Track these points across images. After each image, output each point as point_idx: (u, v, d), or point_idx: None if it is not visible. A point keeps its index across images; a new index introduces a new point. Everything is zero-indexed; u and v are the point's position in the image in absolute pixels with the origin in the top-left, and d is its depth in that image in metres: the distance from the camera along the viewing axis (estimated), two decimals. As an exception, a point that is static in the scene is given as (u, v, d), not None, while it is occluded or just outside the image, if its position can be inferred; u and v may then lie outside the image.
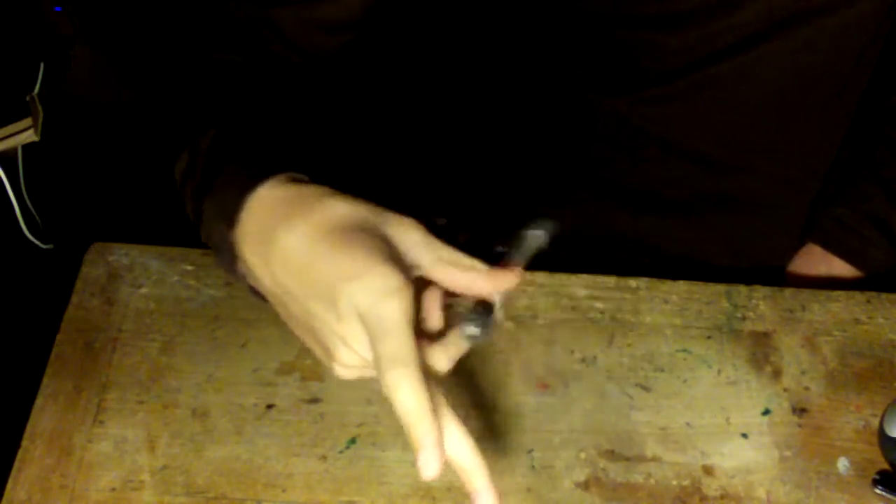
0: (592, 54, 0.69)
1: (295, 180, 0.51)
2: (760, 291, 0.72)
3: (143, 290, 0.70)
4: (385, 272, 0.45)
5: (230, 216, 0.51)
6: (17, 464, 0.61)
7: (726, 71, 0.68)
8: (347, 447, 0.63)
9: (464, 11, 0.71)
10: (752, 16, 0.65)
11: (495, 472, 0.62)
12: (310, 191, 0.50)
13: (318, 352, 0.50)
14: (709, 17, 0.65)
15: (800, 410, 0.66)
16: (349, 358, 0.48)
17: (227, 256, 0.52)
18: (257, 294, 0.53)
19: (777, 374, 0.67)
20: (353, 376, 0.50)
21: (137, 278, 0.70)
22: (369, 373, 0.48)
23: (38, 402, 0.64)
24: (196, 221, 0.55)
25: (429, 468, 0.44)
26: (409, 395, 0.44)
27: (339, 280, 0.46)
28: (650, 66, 0.69)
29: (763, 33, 0.66)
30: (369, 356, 0.46)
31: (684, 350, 0.68)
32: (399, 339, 0.45)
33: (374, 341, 0.45)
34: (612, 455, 0.63)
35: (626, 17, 0.66)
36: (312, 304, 0.47)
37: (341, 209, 0.48)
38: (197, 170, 0.55)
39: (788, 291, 0.72)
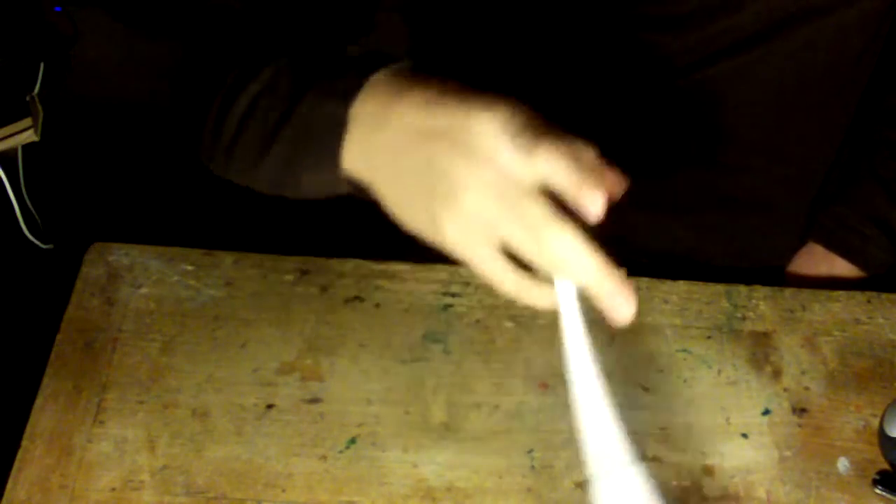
0: (593, 55, 0.69)
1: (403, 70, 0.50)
2: (760, 291, 0.72)
3: (143, 290, 0.70)
4: (514, 102, 0.45)
5: (347, 94, 0.49)
6: (17, 464, 0.61)
7: (726, 71, 0.68)
8: (347, 447, 0.63)
9: (463, 12, 0.71)
10: (751, 17, 0.65)
11: (495, 473, 0.62)
12: (425, 74, 0.49)
13: (430, 221, 0.47)
14: (709, 18, 0.65)
15: (800, 410, 0.66)
16: (476, 201, 0.45)
17: (327, 141, 0.50)
18: (353, 188, 0.51)
19: (777, 374, 0.68)
20: (468, 237, 0.47)
21: (137, 278, 0.70)
22: (484, 230, 0.46)
23: (38, 402, 0.64)
24: (268, 139, 0.54)
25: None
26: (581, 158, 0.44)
27: (468, 112, 0.45)
28: (650, 66, 0.69)
29: (763, 34, 0.66)
30: (503, 190, 0.44)
31: (684, 350, 0.68)
32: (553, 137, 0.44)
33: (520, 150, 0.44)
34: (612, 455, 0.63)
35: (626, 19, 0.66)
36: (436, 146, 0.45)
37: (457, 83, 0.47)
38: (284, 80, 0.53)
39: (788, 291, 0.72)
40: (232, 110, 0.56)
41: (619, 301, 0.46)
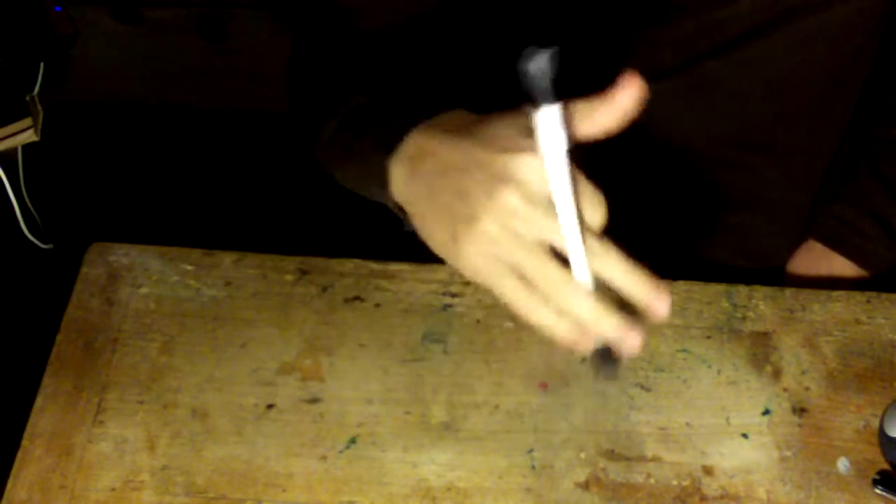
0: (585, 52, 0.69)
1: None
2: (760, 291, 0.72)
3: (143, 290, 0.70)
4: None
5: (390, 147, 0.56)
6: (17, 464, 0.61)
7: (724, 67, 0.68)
8: (347, 447, 0.63)
9: (457, 7, 0.71)
10: (746, 9, 0.65)
11: (495, 473, 0.62)
12: (459, 116, 0.55)
13: (451, 240, 0.51)
14: (703, 9, 0.65)
15: (800, 410, 0.66)
16: (494, 227, 0.48)
17: (377, 181, 0.57)
18: (400, 210, 0.57)
19: (777, 374, 0.68)
20: (482, 259, 0.50)
21: (137, 278, 0.70)
22: (499, 254, 0.49)
23: (38, 402, 0.64)
24: (343, 162, 0.64)
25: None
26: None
27: (500, 152, 0.49)
28: (646, 61, 0.69)
29: (760, 28, 0.66)
30: (521, 223, 0.48)
31: (684, 350, 0.68)
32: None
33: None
34: (612, 455, 0.63)
35: (618, 11, 0.66)
36: (464, 176, 0.50)
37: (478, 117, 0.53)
38: (357, 116, 0.63)
39: (788, 291, 0.72)
40: (324, 129, 0.65)
41: (656, 299, 0.50)
